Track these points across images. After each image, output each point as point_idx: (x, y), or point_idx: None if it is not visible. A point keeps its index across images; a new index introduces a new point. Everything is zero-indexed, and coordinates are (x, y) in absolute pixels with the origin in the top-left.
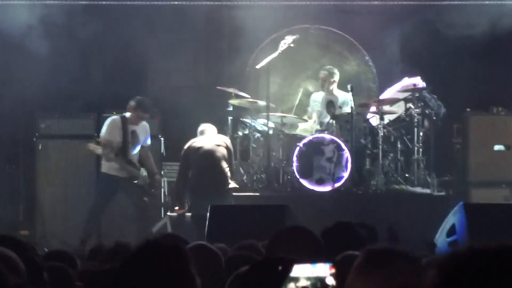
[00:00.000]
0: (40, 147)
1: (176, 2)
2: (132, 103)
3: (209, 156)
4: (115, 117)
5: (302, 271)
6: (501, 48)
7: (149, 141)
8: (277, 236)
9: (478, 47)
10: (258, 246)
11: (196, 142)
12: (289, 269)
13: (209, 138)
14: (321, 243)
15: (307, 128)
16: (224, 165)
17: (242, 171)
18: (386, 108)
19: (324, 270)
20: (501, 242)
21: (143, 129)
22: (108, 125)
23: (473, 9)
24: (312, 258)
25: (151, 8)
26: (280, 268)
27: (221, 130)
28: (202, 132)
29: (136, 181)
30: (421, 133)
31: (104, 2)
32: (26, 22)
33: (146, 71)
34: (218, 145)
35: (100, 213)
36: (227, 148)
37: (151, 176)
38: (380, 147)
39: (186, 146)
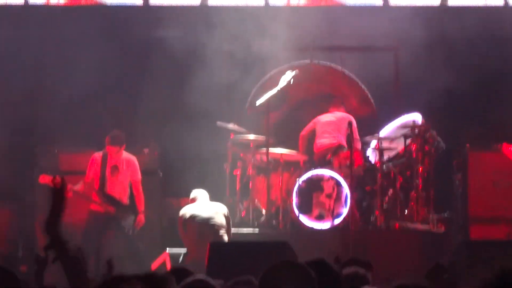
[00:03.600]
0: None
1: (174, 34)
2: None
3: (206, 225)
4: (97, 153)
5: None
6: (501, 85)
7: (136, 176)
8: (270, 271)
9: (477, 83)
10: (253, 282)
11: (191, 209)
12: None
13: (205, 205)
14: (314, 278)
15: None
16: (223, 233)
17: (241, 207)
18: (386, 144)
19: None
20: None
21: (128, 163)
22: (90, 162)
23: (473, 45)
24: None
25: (147, 42)
26: None
27: (221, 166)
28: (194, 199)
29: (116, 218)
30: (420, 169)
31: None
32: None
33: (144, 106)
34: (216, 212)
35: (91, 249)
36: (224, 215)
37: (136, 213)
38: (379, 183)
39: (181, 213)
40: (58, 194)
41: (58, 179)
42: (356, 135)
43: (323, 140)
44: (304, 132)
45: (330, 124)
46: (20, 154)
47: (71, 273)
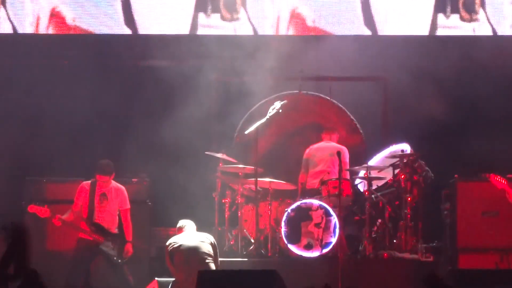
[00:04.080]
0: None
1: (163, 63)
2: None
3: (193, 254)
4: (85, 182)
5: None
6: (489, 115)
7: (125, 205)
8: None
9: (466, 113)
10: None
11: (178, 239)
12: None
13: (191, 235)
14: None
15: None
16: (210, 261)
17: (230, 236)
18: (374, 174)
19: None
20: None
21: (116, 192)
22: (78, 190)
23: (461, 75)
24: None
25: (136, 71)
26: None
27: (209, 195)
28: (181, 228)
29: (102, 247)
30: (409, 199)
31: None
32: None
33: (132, 135)
34: (202, 242)
35: (76, 277)
36: (211, 244)
37: (124, 243)
38: (368, 212)
39: (167, 243)
40: (15, 238)
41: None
42: (346, 165)
43: (314, 179)
44: (301, 175)
45: (323, 158)
46: (10, 184)
47: None
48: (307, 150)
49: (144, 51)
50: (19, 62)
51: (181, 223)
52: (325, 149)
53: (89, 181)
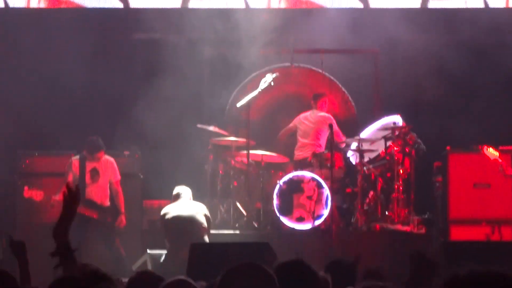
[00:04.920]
0: (20, 185)
1: (155, 37)
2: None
3: (186, 226)
4: (75, 156)
5: None
6: (481, 86)
7: (116, 177)
8: (229, 274)
9: (458, 85)
10: None
11: (172, 208)
12: None
13: (185, 205)
14: (274, 279)
15: None
16: (202, 234)
17: (222, 209)
18: (366, 146)
19: None
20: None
21: (106, 165)
22: (68, 165)
23: (453, 47)
24: None
25: (127, 44)
26: None
27: (201, 168)
28: (177, 196)
29: (98, 221)
30: (401, 171)
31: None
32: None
33: (125, 107)
34: (197, 213)
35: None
36: (205, 216)
37: (117, 214)
38: (360, 185)
39: (162, 213)
40: (68, 202)
41: (70, 186)
42: (338, 137)
43: (301, 151)
44: (283, 132)
45: (308, 130)
46: (2, 158)
47: None
48: (296, 118)
49: (136, 25)
50: (10, 36)
51: (177, 190)
52: (313, 120)
53: (78, 156)
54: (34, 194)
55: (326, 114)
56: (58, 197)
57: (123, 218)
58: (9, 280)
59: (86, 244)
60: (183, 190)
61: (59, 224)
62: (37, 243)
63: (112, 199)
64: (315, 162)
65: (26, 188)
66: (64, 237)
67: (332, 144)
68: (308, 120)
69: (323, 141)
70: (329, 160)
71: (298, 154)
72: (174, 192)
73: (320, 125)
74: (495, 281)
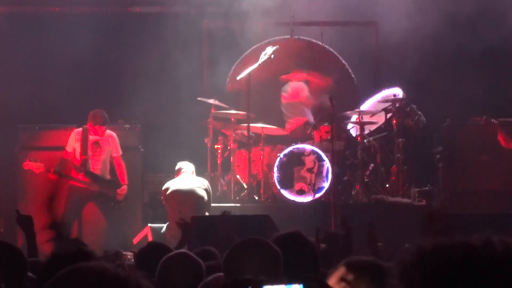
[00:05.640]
0: (21, 159)
1: (154, 11)
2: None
3: (187, 200)
4: (77, 129)
5: None
6: (482, 58)
7: (117, 151)
8: (235, 249)
9: (458, 57)
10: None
11: (174, 183)
12: None
13: (186, 180)
14: (279, 255)
15: None
16: (203, 207)
17: (222, 182)
18: (367, 118)
19: None
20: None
21: (108, 140)
22: (69, 138)
23: (454, 19)
24: (271, 270)
25: (127, 17)
26: None
27: (202, 141)
28: (179, 171)
29: (100, 194)
30: (401, 143)
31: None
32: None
33: (125, 82)
34: (197, 187)
35: (69, 226)
36: (204, 189)
37: (119, 186)
38: (360, 157)
39: (164, 187)
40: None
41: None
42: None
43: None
44: None
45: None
46: (2, 132)
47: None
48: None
49: None
50: (7, 10)
51: (179, 165)
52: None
53: (80, 129)
54: (34, 166)
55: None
56: (59, 168)
57: (124, 188)
58: (17, 253)
59: (87, 216)
60: (185, 165)
61: (49, 201)
62: (37, 217)
63: (113, 173)
64: (316, 134)
65: (27, 160)
66: (56, 214)
67: (332, 117)
68: (288, 97)
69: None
70: (329, 133)
71: (288, 127)
72: (177, 167)
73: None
74: (461, 253)
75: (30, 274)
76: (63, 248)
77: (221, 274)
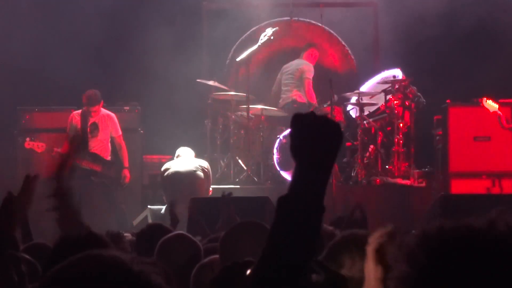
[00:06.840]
0: (21, 141)
1: None
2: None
3: (185, 181)
4: (76, 111)
5: None
6: (482, 39)
7: (116, 132)
8: (231, 232)
9: (458, 38)
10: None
11: (173, 164)
12: None
13: (185, 161)
14: None
15: None
16: (202, 189)
17: (222, 164)
18: (366, 100)
19: None
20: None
21: (107, 120)
22: (70, 120)
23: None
24: None
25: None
26: (249, 272)
27: (201, 123)
28: (179, 155)
29: (100, 175)
30: (401, 125)
31: None
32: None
33: (125, 63)
34: (196, 168)
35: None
36: (203, 171)
37: (120, 168)
38: (360, 139)
39: (163, 168)
40: (70, 151)
41: (73, 140)
42: (311, 98)
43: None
44: (273, 88)
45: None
46: (1, 114)
47: (66, 225)
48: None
49: None
50: None
51: (179, 151)
52: (291, 69)
53: (79, 111)
54: (35, 145)
55: (306, 63)
56: (62, 149)
57: (127, 172)
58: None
59: (88, 197)
60: (184, 150)
61: (59, 168)
62: (37, 199)
63: (115, 154)
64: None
65: (27, 139)
66: (62, 181)
67: (332, 99)
68: (288, 68)
69: (303, 90)
70: (329, 114)
71: (279, 102)
72: (177, 153)
73: (297, 73)
74: (465, 237)
75: (27, 256)
76: (66, 225)
77: (218, 256)
